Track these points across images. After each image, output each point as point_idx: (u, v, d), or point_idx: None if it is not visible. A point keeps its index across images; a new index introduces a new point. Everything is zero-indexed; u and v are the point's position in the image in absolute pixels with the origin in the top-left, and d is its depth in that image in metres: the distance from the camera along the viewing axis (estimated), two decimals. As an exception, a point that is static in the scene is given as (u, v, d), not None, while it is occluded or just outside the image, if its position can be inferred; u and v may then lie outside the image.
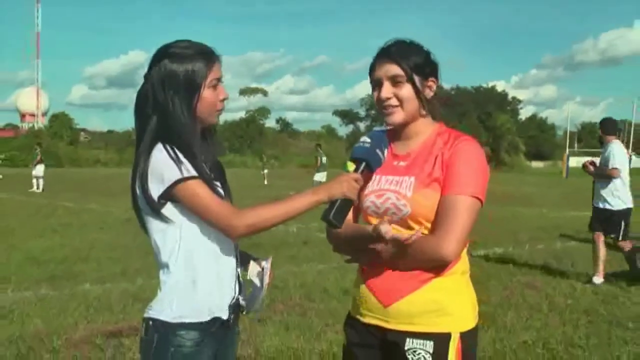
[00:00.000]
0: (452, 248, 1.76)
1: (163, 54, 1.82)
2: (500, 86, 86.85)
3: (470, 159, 1.84)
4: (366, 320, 1.95)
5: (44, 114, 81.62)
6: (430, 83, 1.91)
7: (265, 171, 30.52)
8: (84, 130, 77.25)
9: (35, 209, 14.95)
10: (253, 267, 1.92)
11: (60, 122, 64.58)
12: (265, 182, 28.30)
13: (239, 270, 1.90)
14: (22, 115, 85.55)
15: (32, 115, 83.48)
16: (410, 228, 1.84)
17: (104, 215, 13.49)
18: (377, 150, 1.85)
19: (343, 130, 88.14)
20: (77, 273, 7.06)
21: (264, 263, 1.92)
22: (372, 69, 1.92)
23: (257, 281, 1.91)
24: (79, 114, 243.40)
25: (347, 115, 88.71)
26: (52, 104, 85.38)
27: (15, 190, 21.87)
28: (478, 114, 69.08)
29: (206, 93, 1.82)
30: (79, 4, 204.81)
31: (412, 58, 1.87)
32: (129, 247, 8.32)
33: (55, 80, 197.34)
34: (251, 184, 25.81)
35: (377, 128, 1.93)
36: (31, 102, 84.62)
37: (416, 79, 1.87)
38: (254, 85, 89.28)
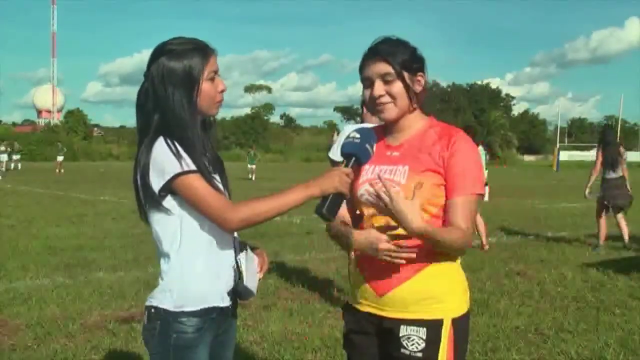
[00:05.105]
0: (471, 241, 1.88)
1: (160, 51, 1.80)
2: (495, 83, 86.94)
3: (470, 158, 1.85)
4: (362, 308, 1.94)
5: (60, 111, 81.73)
6: (419, 78, 1.90)
7: (253, 166, 27.31)
8: (97, 125, 77.34)
9: (53, 201, 14.98)
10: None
11: (75, 118, 64.59)
12: (252, 177, 25.89)
13: (238, 259, 1.89)
14: (39, 112, 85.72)
15: (49, 111, 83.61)
16: None
17: (117, 205, 13.51)
18: (367, 145, 1.86)
19: (343, 127, 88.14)
20: (91, 261, 7.06)
21: (241, 254, 1.90)
22: (362, 68, 1.91)
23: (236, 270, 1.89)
24: (94, 110, 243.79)
25: (347, 112, 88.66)
26: (68, 101, 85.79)
27: (34, 182, 21.91)
28: (472, 110, 68.94)
29: (205, 86, 1.80)
30: (94, 4, 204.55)
31: (400, 55, 1.86)
32: (141, 236, 8.31)
33: (71, 78, 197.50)
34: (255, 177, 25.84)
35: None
36: (47, 99, 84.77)
37: (405, 75, 1.86)
38: (260, 82, 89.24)
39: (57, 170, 29.34)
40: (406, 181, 1.83)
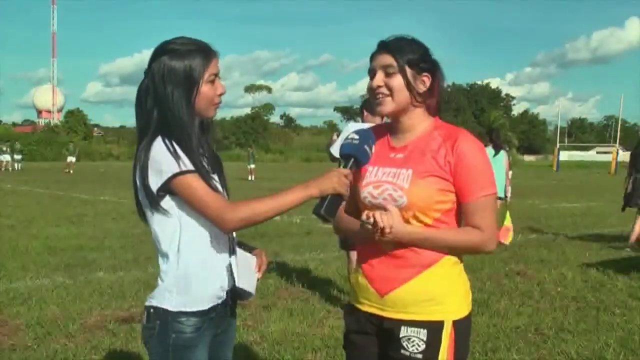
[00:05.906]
0: (495, 242, 1.89)
1: (162, 50, 1.80)
2: (495, 83, 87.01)
3: (477, 160, 1.84)
4: (364, 308, 1.94)
5: (60, 111, 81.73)
6: (424, 78, 1.88)
7: (252, 166, 26.65)
8: (97, 125, 77.35)
9: (53, 201, 14.97)
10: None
11: (75, 118, 64.59)
12: (251, 178, 25.37)
13: (232, 259, 1.89)
14: (39, 112, 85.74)
15: (49, 111, 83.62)
16: (405, 219, 1.83)
17: (117, 205, 13.50)
18: (365, 147, 1.85)
19: (344, 126, 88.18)
20: (91, 261, 7.06)
21: (232, 257, 1.90)
22: (370, 61, 1.92)
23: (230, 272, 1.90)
24: (94, 110, 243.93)
25: (347, 112, 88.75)
26: (68, 101, 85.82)
27: (34, 182, 21.90)
28: (472, 110, 68.93)
29: (204, 88, 1.80)
30: (94, 4, 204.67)
31: (407, 51, 1.86)
32: (141, 236, 8.31)
33: (71, 78, 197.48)
34: (256, 177, 25.81)
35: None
36: (47, 99, 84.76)
37: (408, 71, 1.85)
38: (260, 82, 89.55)
39: (68, 171, 29.29)
40: (409, 185, 1.83)
